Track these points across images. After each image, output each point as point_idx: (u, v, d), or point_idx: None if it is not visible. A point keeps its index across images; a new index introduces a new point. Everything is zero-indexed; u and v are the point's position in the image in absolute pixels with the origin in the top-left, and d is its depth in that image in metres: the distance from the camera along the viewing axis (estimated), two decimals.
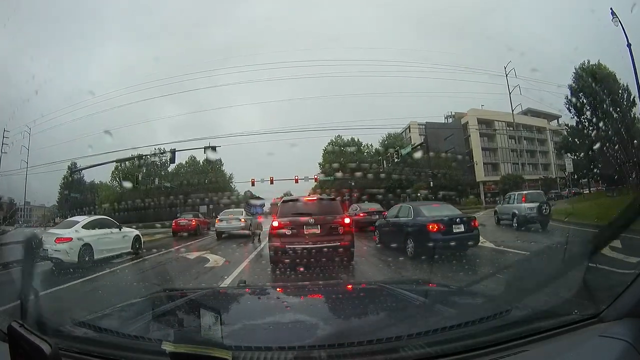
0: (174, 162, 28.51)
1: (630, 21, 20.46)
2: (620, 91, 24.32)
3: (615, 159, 20.16)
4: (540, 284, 1.67)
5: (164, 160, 35.41)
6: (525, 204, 13.16)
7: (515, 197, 14.12)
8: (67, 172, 33.64)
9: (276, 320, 1.70)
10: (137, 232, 11.94)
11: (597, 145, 24.34)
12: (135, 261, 10.17)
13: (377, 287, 2.59)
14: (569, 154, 30.95)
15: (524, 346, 1.20)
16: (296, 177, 30.34)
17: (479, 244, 8.47)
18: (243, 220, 15.77)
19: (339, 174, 35.11)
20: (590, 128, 26.84)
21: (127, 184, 34.20)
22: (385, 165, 32.28)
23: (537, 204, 12.72)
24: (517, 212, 13.19)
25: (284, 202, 8.44)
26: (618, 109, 23.46)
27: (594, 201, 20.59)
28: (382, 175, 34.86)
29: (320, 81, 69.84)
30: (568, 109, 27.95)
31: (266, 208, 24.85)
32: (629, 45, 18.61)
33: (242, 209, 17.35)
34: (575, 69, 26.19)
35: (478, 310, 1.73)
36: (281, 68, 77.37)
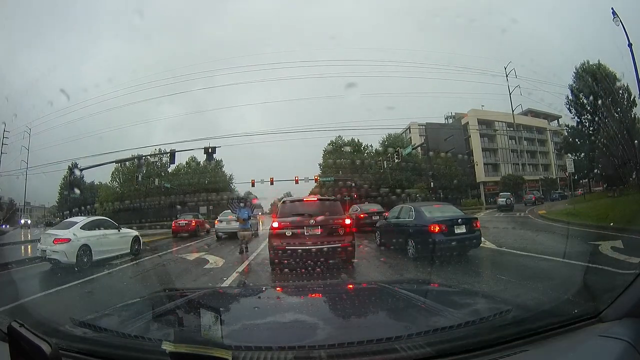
0: (173, 163, 28.48)
1: (631, 21, 20.49)
2: (620, 91, 24.34)
3: (615, 159, 20.15)
4: None
5: (164, 161, 35.42)
6: (499, 199, 27.45)
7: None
8: (67, 172, 33.66)
9: (276, 320, 1.70)
10: (136, 232, 11.92)
11: (598, 145, 24.37)
12: (134, 262, 10.16)
13: (377, 287, 2.59)
14: (569, 154, 30.95)
15: (524, 346, 1.20)
16: (296, 178, 30.36)
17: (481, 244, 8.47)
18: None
19: (340, 175, 35.12)
20: (591, 128, 26.87)
21: (127, 185, 34.22)
22: (385, 166, 32.26)
23: (504, 199, 26.34)
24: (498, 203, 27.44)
25: (284, 202, 8.43)
26: (618, 109, 23.46)
27: (592, 202, 20.60)
28: (383, 175, 34.87)
29: (321, 82, 69.79)
30: (568, 109, 28.02)
31: (261, 210, 24.36)
32: (629, 45, 18.62)
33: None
34: (576, 68, 26.24)
35: (478, 310, 1.73)
36: (281, 68, 77.50)
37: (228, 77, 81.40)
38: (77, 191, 32.65)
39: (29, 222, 29.30)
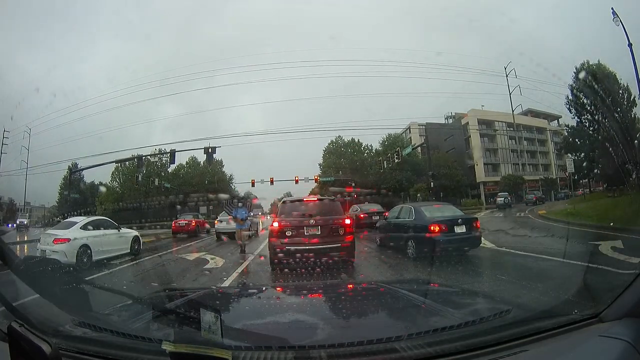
0: (173, 163, 28.50)
1: (631, 21, 20.51)
2: (620, 91, 24.32)
3: (615, 159, 20.14)
4: None
5: (164, 161, 35.44)
6: (498, 198, 30.40)
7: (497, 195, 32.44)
8: (67, 172, 33.66)
9: (276, 320, 1.70)
10: (136, 232, 11.91)
11: (598, 145, 24.38)
12: (134, 262, 10.15)
13: (377, 287, 2.59)
14: (569, 154, 30.98)
15: (524, 346, 1.20)
16: (296, 178, 30.38)
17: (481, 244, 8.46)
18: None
19: (340, 174, 35.10)
20: (591, 128, 26.86)
21: (127, 185, 34.23)
22: (385, 166, 32.25)
23: (502, 198, 29.69)
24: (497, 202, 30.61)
25: (284, 202, 8.43)
26: (618, 109, 23.44)
27: (592, 202, 20.61)
28: (383, 175, 34.85)
29: (321, 82, 69.88)
30: (568, 109, 28.02)
31: (261, 210, 24.26)
32: (629, 45, 18.61)
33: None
34: (576, 68, 26.23)
35: (478, 310, 1.73)
36: (281, 68, 77.59)
37: (228, 77, 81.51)
38: (77, 192, 32.64)
39: (25, 222, 28.24)
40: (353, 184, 32.19)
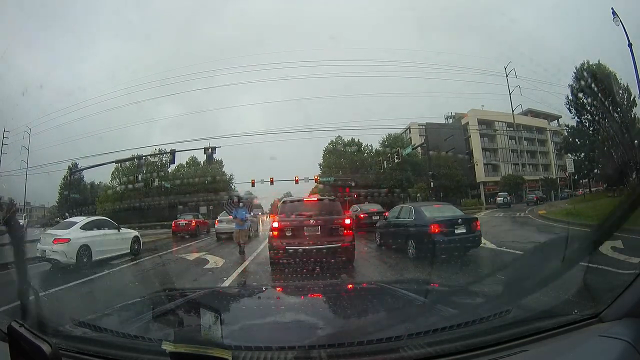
0: (173, 163, 28.49)
1: (631, 21, 20.53)
2: (620, 91, 24.31)
3: (615, 159, 20.14)
4: None
5: (164, 161, 35.38)
6: (498, 198, 31.18)
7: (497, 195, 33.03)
8: (67, 172, 33.64)
9: (276, 320, 1.70)
10: (136, 232, 11.91)
11: (598, 145, 24.40)
12: (134, 262, 10.15)
13: (377, 287, 2.60)
14: (569, 154, 31.00)
15: (524, 346, 1.20)
16: (296, 178, 30.33)
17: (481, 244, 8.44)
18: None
19: (340, 175, 35.12)
20: (591, 128, 26.87)
21: (127, 185, 34.16)
22: (385, 166, 32.22)
23: (502, 198, 30.47)
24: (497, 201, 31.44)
25: (284, 202, 8.43)
26: (618, 109, 23.44)
27: (592, 202, 20.59)
28: (383, 175, 34.84)
29: (321, 82, 69.84)
30: (568, 109, 28.01)
31: (261, 210, 24.18)
32: (629, 45, 18.63)
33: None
34: (576, 68, 26.22)
35: (478, 310, 1.73)
36: (281, 68, 77.57)
37: (228, 77, 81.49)
38: (77, 192, 32.57)
39: (22, 222, 28.04)
40: (353, 184, 32.17)
